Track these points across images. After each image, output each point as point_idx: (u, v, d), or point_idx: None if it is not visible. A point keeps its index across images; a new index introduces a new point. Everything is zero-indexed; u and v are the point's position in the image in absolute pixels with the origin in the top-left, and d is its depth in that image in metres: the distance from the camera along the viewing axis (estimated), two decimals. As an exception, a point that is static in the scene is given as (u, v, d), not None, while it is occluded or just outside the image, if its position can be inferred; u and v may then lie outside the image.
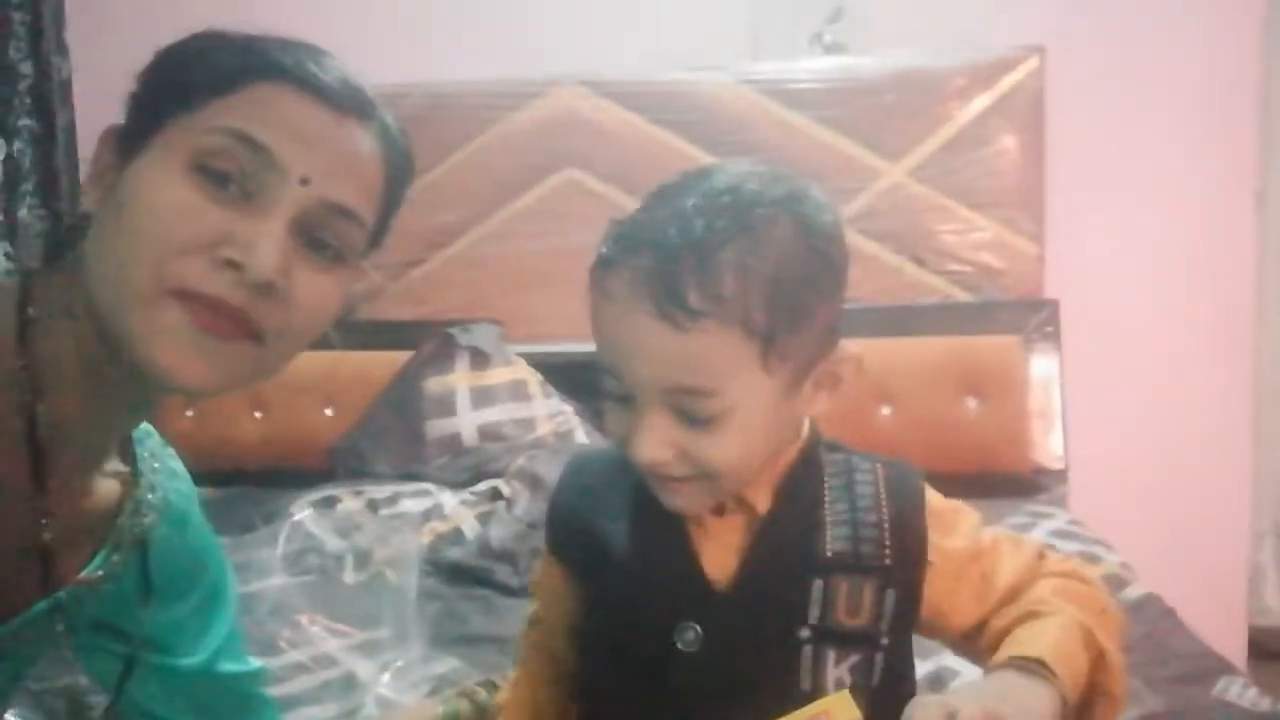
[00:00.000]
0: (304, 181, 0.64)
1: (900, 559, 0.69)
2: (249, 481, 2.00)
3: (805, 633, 0.68)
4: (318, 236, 0.67)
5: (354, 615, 1.40)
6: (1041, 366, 2.00)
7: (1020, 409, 1.94)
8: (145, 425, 0.81)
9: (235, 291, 0.63)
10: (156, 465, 0.81)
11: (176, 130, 0.64)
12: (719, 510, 0.71)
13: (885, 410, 1.94)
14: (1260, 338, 2.12)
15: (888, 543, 0.69)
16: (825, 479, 0.72)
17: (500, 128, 2.19)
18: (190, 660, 0.86)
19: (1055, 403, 2.00)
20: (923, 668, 1.12)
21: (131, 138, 0.66)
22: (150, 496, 0.78)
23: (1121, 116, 2.05)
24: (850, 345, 0.71)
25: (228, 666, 0.89)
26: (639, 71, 2.15)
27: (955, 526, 0.72)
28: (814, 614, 0.68)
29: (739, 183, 0.67)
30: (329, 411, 2.11)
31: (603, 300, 0.68)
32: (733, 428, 0.66)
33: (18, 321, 0.66)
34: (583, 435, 1.98)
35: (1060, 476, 1.95)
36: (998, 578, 0.71)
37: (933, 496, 0.73)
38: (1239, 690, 1.12)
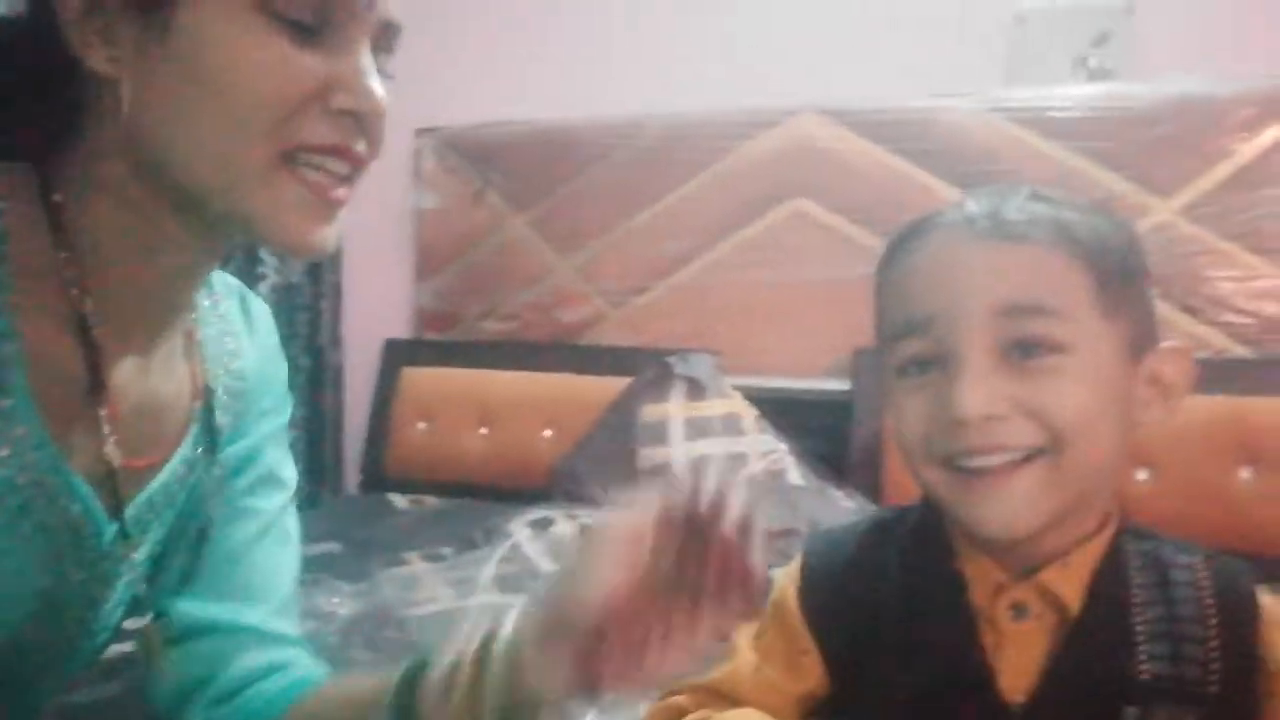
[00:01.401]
0: (370, 7, 0.60)
1: (1231, 687, 0.58)
2: (472, 494, 2.08)
3: None
4: (377, 55, 0.62)
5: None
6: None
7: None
8: (229, 282, 0.75)
9: (355, 140, 0.59)
10: (231, 344, 0.74)
11: None
12: (1020, 611, 0.60)
13: (1142, 475, 1.74)
14: None
15: (1216, 667, 0.58)
16: (1135, 574, 0.61)
17: (734, 157, 2.16)
18: (254, 609, 0.76)
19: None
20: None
21: None
22: (218, 372, 0.72)
23: None
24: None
25: (286, 627, 0.79)
26: (881, 99, 2.06)
27: None
28: None
29: (1033, 187, 0.65)
30: (549, 433, 2.15)
31: (915, 250, 0.63)
32: (1075, 370, 0.57)
33: (45, 210, 0.60)
34: (796, 475, 1.90)
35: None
36: None
37: (1268, 599, 0.61)
38: None
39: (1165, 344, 0.63)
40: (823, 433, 1.97)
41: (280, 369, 0.80)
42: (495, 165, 2.32)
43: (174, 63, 0.57)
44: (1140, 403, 0.61)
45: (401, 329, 2.43)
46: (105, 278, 0.61)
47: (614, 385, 2.11)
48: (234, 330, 0.75)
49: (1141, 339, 0.61)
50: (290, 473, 0.81)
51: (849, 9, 2.11)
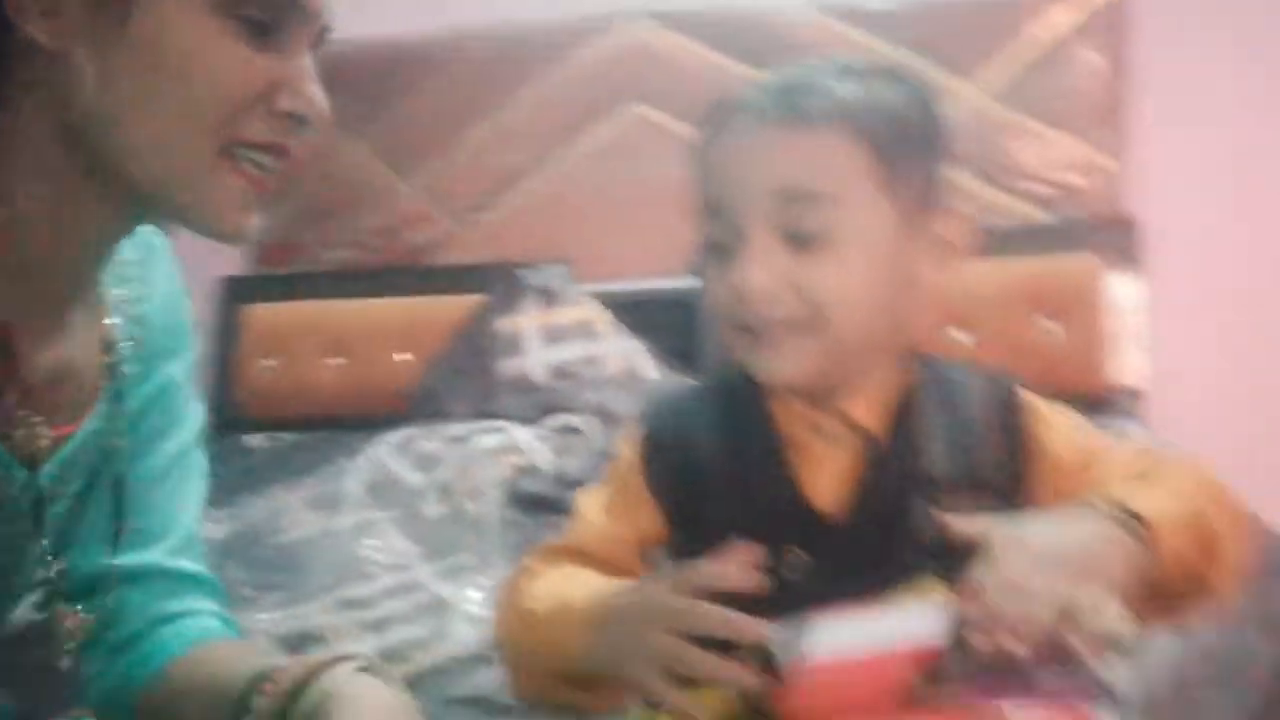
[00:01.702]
0: (317, 15, 0.63)
1: (1007, 472, 0.68)
2: (331, 426, 2.05)
3: (917, 556, 0.65)
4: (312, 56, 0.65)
5: (439, 545, 1.43)
6: (1122, 285, 1.94)
7: (1100, 329, 1.89)
8: (149, 240, 0.75)
9: (291, 139, 0.63)
10: (130, 291, 0.74)
11: None
12: (823, 434, 0.68)
13: (961, 335, 1.90)
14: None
15: (995, 464, 0.68)
16: (924, 392, 0.70)
17: (567, 65, 2.17)
18: (150, 550, 0.76)
19: (1137, 322, 1.93)
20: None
21: None
22: (123, 324, 0.72)
23: (1208, 28, 1.95)
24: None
25: (185, 565, 0.79)
26: (706, 1, 2.11)
27: (1055, 424, 0.70)
28: (924, 534, 0.65)
29: (855, 59, 0.74)
30: (406, 357, 2.14)
31: (717, 134, 0.68)
32: (846, 253, 0.64)
33: None
34: (652, 372, 1.98)
35: (1143, 397, 1.90)
36: (1101, 471, 0.68)
37: (1031, 400, 0.72)
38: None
39: (947, 212, 0.69)
40: (676, 328, 2.03)
41: (183, 307, 0.80)
42: (322, 86, 2.24)
43: (132, 50, 0.58)
44: (925, 263, 0.68)
45: (237, 265, 2.35)
46: (16, 245, 0.61)
47: (466, 303, 2.11)
48: (132, 276, 0.74)
49: (926, 203, 0.68)
50: (196, 410, 0.82)
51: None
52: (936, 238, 0.68)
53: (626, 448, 0.75)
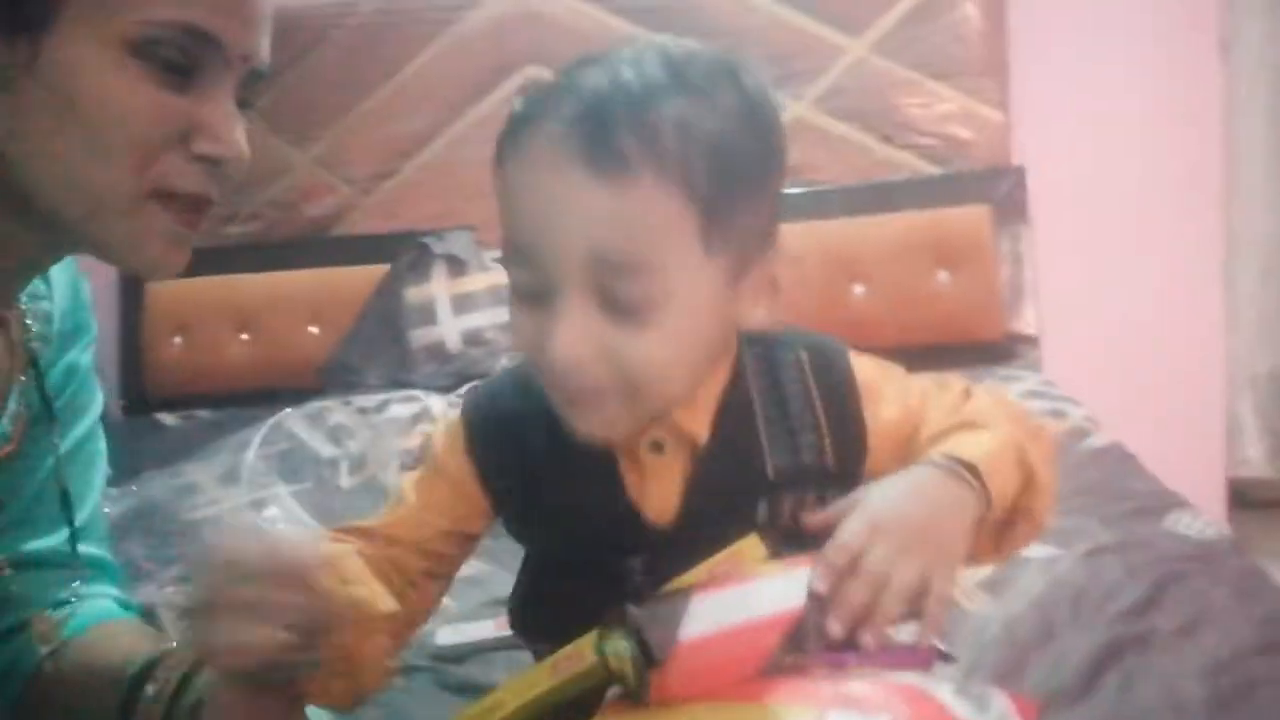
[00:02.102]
0: (245, 59, 0.63)
1: (842, 458, 0.66)
2: (242, 403, 2.04)
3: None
4: (244, 99, 0.65)
5: (351, 516, 1.44)
6: (1011, 234, 2.02)
7: (991, 278, 1.97)
8: None
9: (212, 185, 0.63)
10: (41, 288, 0.75)
11: (93, 6, 0.58)
12: (657, 447, 0.64)
13: (858, 289, 1.97)
14: (1230, 189, 2.13)
15: (828, 446, 0.66)
16: (753, 384, 0.66)
17: (455, 30, 2.16)
18: (51, 535, 0.76)
19: (1026, 269, 2.02)
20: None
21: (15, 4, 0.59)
22: (32, 321, 0.73)
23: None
24: (789, 241, 0.64)
25: (88, 548, 0.79)
26: (593, -39, 2.11)
27: (884, 394, 0.68)
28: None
29: (669, 43, 0.61)
30: (314, 329, 2.14)
31: (516, 167, 0.59)
32: (667, 321, 0.58)
33: None
34: (564, 334, 2.00)
35: (1033, 342, 2.00)
36: (927, 428, 0.66)
37: (861, 371, 0.68)
38: (1189, 521, 1.18)
39: (780, 252, 0.63)
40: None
41: (78, 290, 0.79)
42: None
43: (41, 90, 0.58)
44: (744, 307, 0.63)
45: (136, 244, 2.30)
46: None
47: (374, 274, 2.11)
48: (36, 284, 0.74)
49: (755, 250, 0.62)
50: (96, 393, 0.82)
51: None
52: (762, 279, 0.63)
53: (447, 435, 0.70)
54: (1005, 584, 1.07)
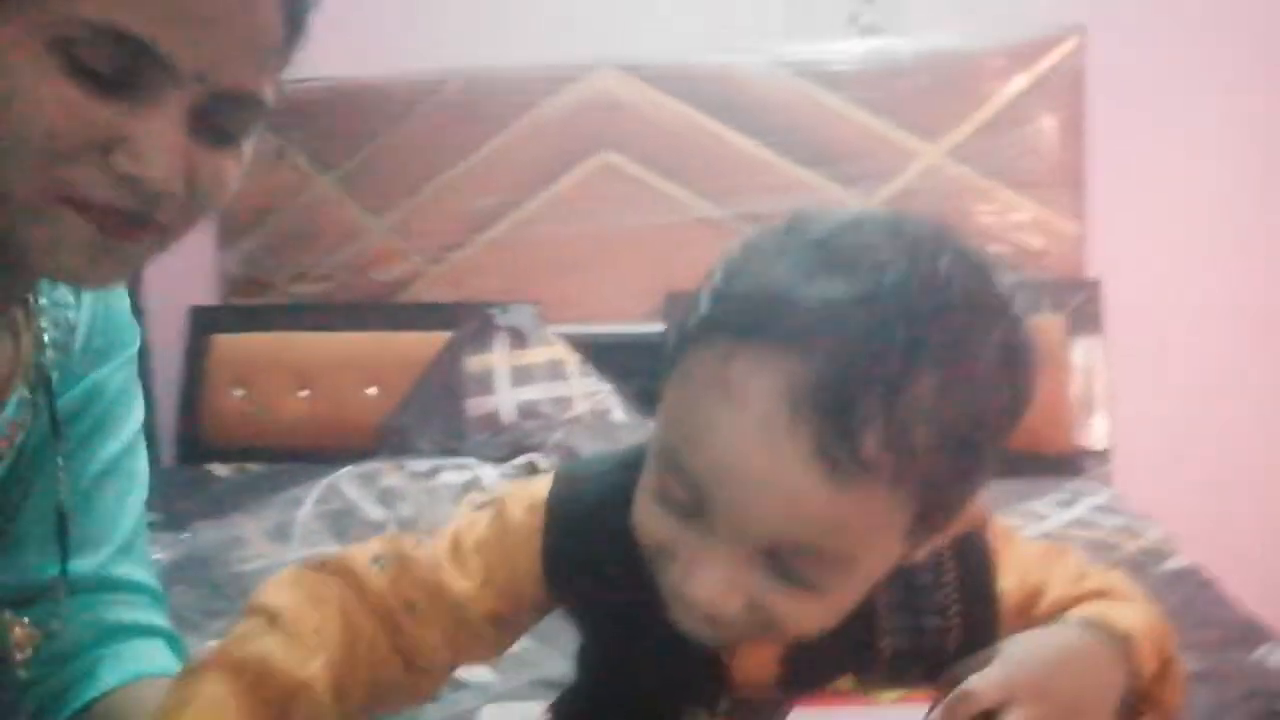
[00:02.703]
0: (199, 79, 0.55)
1: (969, 640, 0.57)
2: (297, 459, 2.03)
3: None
4: (219, 126, 0.58)
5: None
6: (1084, 346, 1.98)
7: (1062, 389, 1.93)
8: None
9: (133, 201, 0.56)
10: (66, 296, 0.71)
11: (34, 6, 0.53)
12: None
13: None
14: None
15: (955, 634, 0.57)
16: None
17: (537, 112, 2.21)
18: (89, 558, 0.72)
19: (1098, 383, 1.98)
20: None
21: None
22: (49, 329, 0.69)
23: (1164, 93, 2.03)
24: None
25: (127, 571, 0.75)
26: (674, 54, 2.16)
27: (1003, 561, 0.59)
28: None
29: (934, 257, 0.47)
30: (373, 391, 2.15)
31: (713, 389, 0.47)
32: (837, 593, 0.50)
33: None
34: (620, 414, 2.00)
35: (1104, 457, 1.94)
36: (1049, 597, 0.59)
37: (996, 539, 0.59)
38: (1280, 655, 1.11)
39: (970, 512, 0.52)
40: (642, 373, 2.06)
41: (115, 304, 0.76)
42: (295, 124, 2.26)
43: None
44: (906, 551, 0.52)
45: (207, 297, 2.34)
46: None
47: (435, 341, 2.12)
48: (63, 291, 0.71)
49: (948, 519, 0.51)
50: (137, 409, 0.78)
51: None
52: (936, 533, 0.52)
53: (527, 510, 0.60)
54: None
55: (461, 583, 0.58)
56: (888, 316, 0.45)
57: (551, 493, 0.60)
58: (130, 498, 0.77)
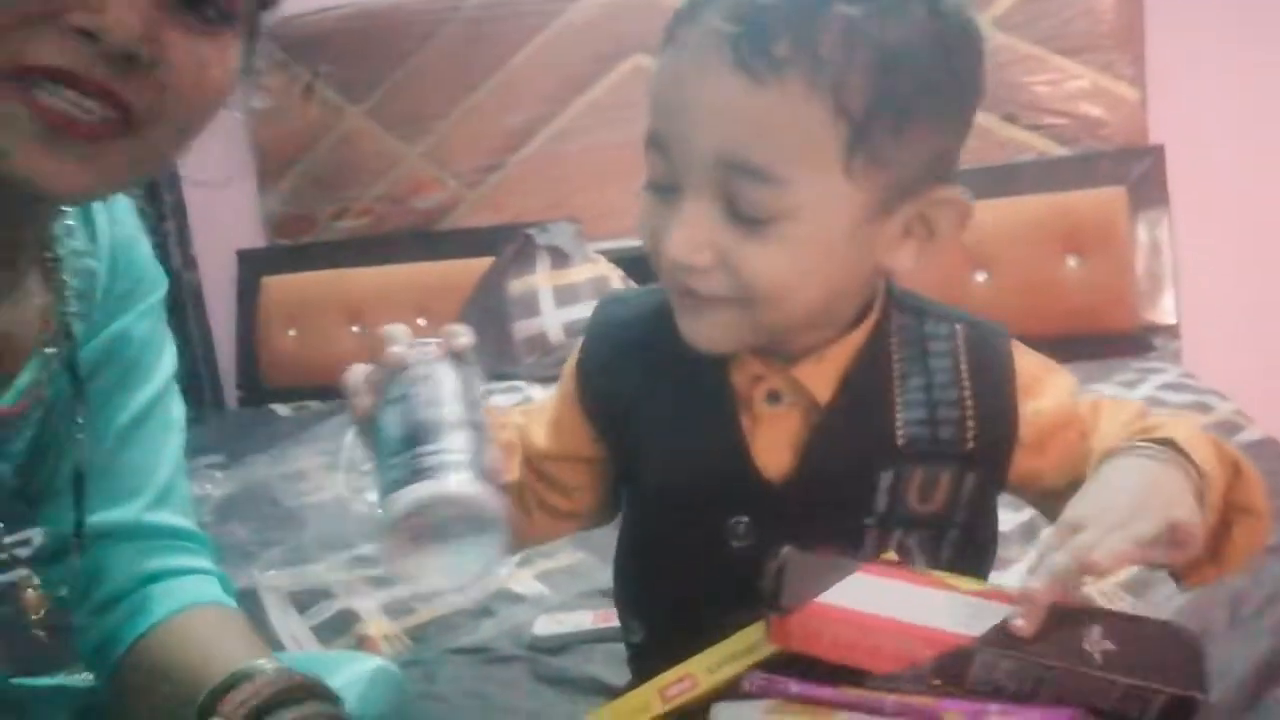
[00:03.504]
0: None
1: (985, 442, 0.60)
2: (353, 393, 2.07)
3: (870, 521, 0.60)
4: (218, 11, 0.55)
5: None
6: (1148, 219, 1.88)
7: (1126, 264, 1.85)
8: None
9: (91, 66, 0.51)
10: (76, 243, 0.68)
11: None
12: (774, 398, 0.61)
13: (980, 276, 1.87)
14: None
15: (970, 425, 0.60)
16: (896, 349, 0.61)
17: (563, 19, 2.14)
18: (125, 507, 0.72)
19: (1164, 255, 1.88)
20: (1018, 516, 1.10)
21: None
22: (70, 278, 0.67)
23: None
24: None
25: (166, 518, 0.74)
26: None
27: (1045, 389, 0.62)
28: (881, 504, 0.60)
29: None
30: (421, 321, 2.15)
31: (669, 56, 0.56)
32: (791, 239, 0.54)
33: None
34: (669, 326, 1.97)
35: (1172, 332, 1.86)
36: (1098, 438, 0.60)
37: (1021, 359, 0.62)
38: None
39: (943, 194, 0.57)
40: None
41: (137, 250, 0.74)
42: (321, 56, 2.22)
43: None
44: (888, 244, 0.57)
45: (254, 239, 2.36)
46: None
47: (480, 266, 2.11)
48: (77, 229, 0.70)
49: (910, 185, 0.56)
50: (169, 357, 0.77)
51: None
52: (918, 220, 0.57)
53: (574, 354, 0.68)
54: (1151, 585, 0.98)
55: (536, 430, 0.68)
56: None
57: (592, 318, 0.68)
58: (165, 446, 0.76)
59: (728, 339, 0.59)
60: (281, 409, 2.16)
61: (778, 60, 0.51)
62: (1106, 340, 1.79)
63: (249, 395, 2.30)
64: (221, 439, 1.86)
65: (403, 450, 0.53)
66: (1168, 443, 0.55)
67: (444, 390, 0.56)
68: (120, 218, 0.73)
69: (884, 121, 0.53)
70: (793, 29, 0.52)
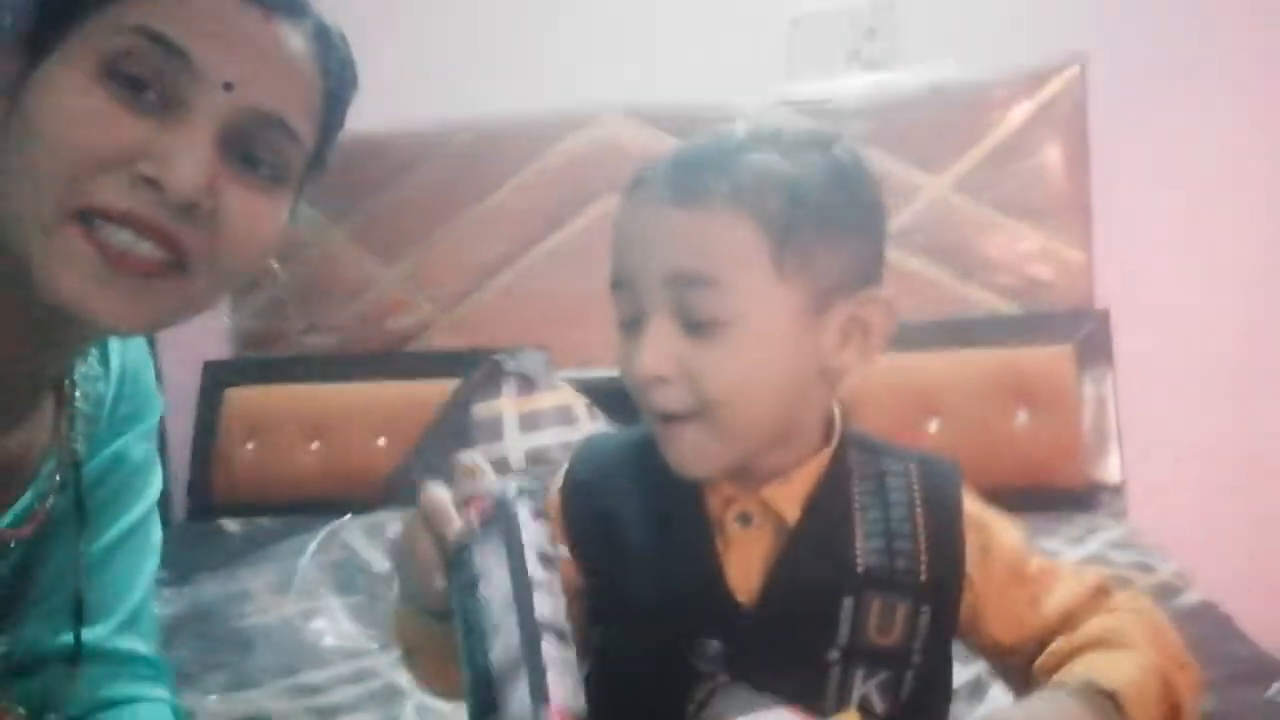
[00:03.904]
0: (228, 87, 0.57)
1: (937, 575, 0.65)
2: (307, 511, 2.03)
3: (834, 654, 0.63)
4: (249, 151, 0.60)
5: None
6: (1094, 377, 1.95)
7: (1074, 421, 1.90)
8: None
9: (154, 211, 0.56)
10: (97, 369, 0.72)
11: (86, 30, 0.56)
12: (745, 519, 0.66)
13: (933, 425, 1.91)
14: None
15: (924, 557, 0.65)
16: (855, 482, 0.67)
17: (545, 159, 2.23)
18: (95, 628, 0.73)
19: (1110, 414, 1.94)
20: (964, 673, 1.10)
21: (36, 40, 0.57)
22: (83, 405, 0.70)
23: (1167, 118, 2.00)
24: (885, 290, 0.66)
25: (130, 644, 0.76)
26: (676, 96, 2.17)
27: (993, 537, 0.67)
28: (844, 633, 0.63)
29: (773, 116, 0.70)
30: (382, 441, 2.16)
31: (621, 211, 0.65)
32: (738, 341, 0.61)
33: None
34: (629, 458, 1.98)
35: (1117, 490, 1.90)
36: (1048, 603, 0.65)
37: (972, 503, 0.68)
38: (1296, 693, 1.07)
39: (871, 294, 0.65)
40: (649, 415, 2.05)
41: (144, 374, 0.77)
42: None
43: (17, 116, 0.57)
44: (830, 345, 0.64)
45: (221, 351, 2.38)
46: None
47: (445, 389, 2.12)
48: (92, 360, 0.72)
49: (838, 287, 0.63)
50: (155, 480, 0.79)
51: (647, 17, 2.21)
52: (853, 322, 0.65)
53: (555, 485, 0.73)
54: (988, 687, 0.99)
55: None
56: (720, 135, 0.66)
57: (574, 454, 0.73)
58: (141, 570, 0.78)
59: (705, 462, 0.64)
60: (230, 524, 2.12)
61: (706, 191, 0.61)
62: (1054, 494, 1.83)
63: (197, 508, 2.27)
64: (167, 552, 1.82)
65: (484, 673, 0.52)
66: (1112, 696, 0.58)
67: (518, 586, 0.54)
68: (133, 342, 0.76)
69: (802, 232, 0.62)
70: (715, 167, 0.62)
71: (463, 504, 0.60)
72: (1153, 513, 1.85)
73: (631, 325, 0.64)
